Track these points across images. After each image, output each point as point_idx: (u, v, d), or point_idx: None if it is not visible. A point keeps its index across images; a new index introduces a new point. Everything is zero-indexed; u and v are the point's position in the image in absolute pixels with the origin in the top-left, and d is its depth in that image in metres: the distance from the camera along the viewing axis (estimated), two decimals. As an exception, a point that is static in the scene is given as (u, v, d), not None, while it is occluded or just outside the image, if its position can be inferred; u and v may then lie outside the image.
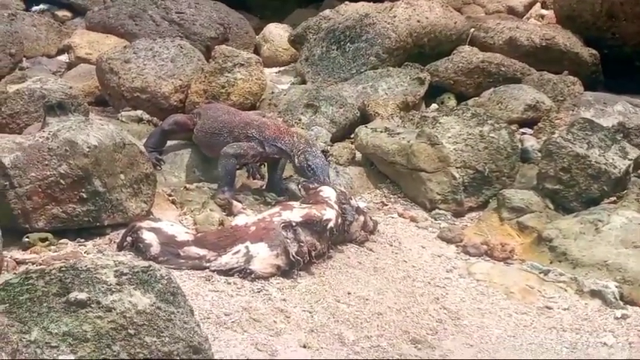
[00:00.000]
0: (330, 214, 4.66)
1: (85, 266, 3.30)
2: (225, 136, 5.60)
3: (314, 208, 4.66)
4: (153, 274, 3.34)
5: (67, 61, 8.83)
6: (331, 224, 4.63)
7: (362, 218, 4.99)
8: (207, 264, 4.39)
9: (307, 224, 4.55)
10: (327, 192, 4.91)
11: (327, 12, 9.20)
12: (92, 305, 3.18)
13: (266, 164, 5.77)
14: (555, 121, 6.71)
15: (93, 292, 3.21)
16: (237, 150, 5.45)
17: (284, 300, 4.18)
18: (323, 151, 6.18)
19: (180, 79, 7.28)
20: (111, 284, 3.26)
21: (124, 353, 3.14)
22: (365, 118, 6.90)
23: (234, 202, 5.24)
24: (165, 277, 3.36)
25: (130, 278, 3.29)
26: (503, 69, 7.77)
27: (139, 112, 6.95)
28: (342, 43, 8.12)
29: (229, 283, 4.26)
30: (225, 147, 5.48)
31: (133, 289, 3.27)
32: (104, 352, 3.12)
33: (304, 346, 3.80)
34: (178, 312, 3.31)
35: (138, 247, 4.49)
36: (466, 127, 5.94)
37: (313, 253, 4.52)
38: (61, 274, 3.24)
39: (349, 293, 4.37)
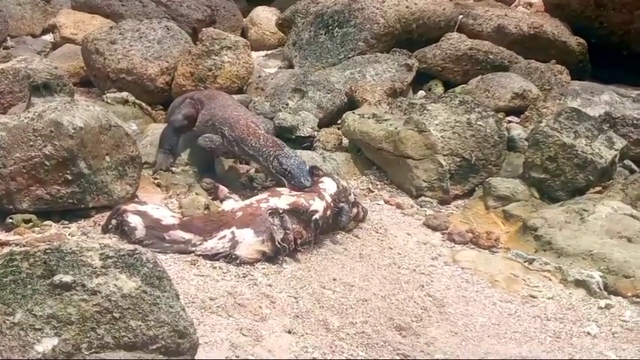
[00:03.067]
0: (317, 206, 4.63)
1: (70, 249, 3.28)
2: (211, 131, 5.51)
3: (302, 197, 4.64)
4: (139, 257, 3.33)
5: (52, 40, 8.73)
6: (317, 215, 4.60)
7: (355, 210, 4.97)
8: (193, 248, 4.38)
9: (294, 212, 4.54)
10: (328, 185, 4.86)
11: (315, -4, 9.13)
12: (77, 288, 3.17)
13: None
14: (542, 109, 6.70)
15: (78, 275, 3.19)
16: (207, 143, 5.42)
17: (269, 285, 4.18)
18: (309, 137, 6.18)
19: (167, 61, 7.20)
20: (96, 267, 3.24)
21: (108, 337, 3.13)
22: (352, 103, 6.86)
23: (220, 187, 5.22)
24: (151, 261, 3.35)
25: (115, 262, 3.28)
26: (491, 57, 7.75)
27: (125, 94, 6.88)
28: (331, 27, 8.07)
29: (215, 268, 4.26)
30: (200, 137, 5.45)
31: (119, 273, 3.25)
32: (88, 335, 3.11)
33: (289, 332, 3.80)
34: (164, 296, 3.30)
35: (123, 230, 4.47)
36: (454, 114, 5.93)
37: (299, 241, 4.51)
38: (46, 257, 3.22)
39: (334, 279, 4.37)
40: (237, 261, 4.30)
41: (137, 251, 3.35)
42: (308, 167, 5.05)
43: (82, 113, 4.80)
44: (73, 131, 4.68)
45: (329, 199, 4.72)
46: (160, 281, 3.33)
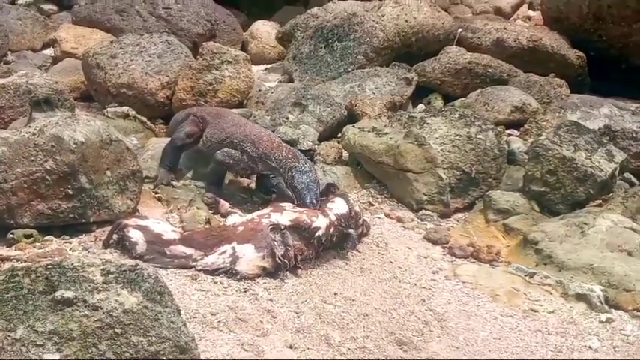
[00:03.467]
0: (320, 223, 4.61)
1: (72, 264, 3.28)
2: (227, 147, 5.46)
3: (304, 214, 4.64)
4: (140, 273, 3.33)
5: (53, 55, 8.78)
6: (319, 232, 4.58)
7: (360, 230, 4.97)
8: (194, 263, 4.37)
9: (296, 228, 4.53)
10: (338, 205, 4.81)
11: (315, 10, 9.18)
12: (78, 304, 3.17)
13: None
14: (542, 123, 6.72)
15: (79, 291, 3.20)
16: (226, 159, 5.38)
17: (270, 300, 4.17)
18: (310, 150, 6.18)
19: (167, 76, 7.23)
20: (98, 283, 3.24)
21: (110, 352, 3.13)
22: (352, 117, 6.88)
23: (222, 202, 5.23)
24: (153, 276, 3.35)
25: (117, 277, 3.28)
26: (490, 70, 7.79)
27: (125, 108, 6.90)
28: (330, 41, 8.12)
29: (216, 283, 4.25)
30: (218, 152, 5.41)
31: (120, 288, 3.26)
32: (90, 351, 3.11)
33: (290, 347, 3.79)
34: (165, 311, 3.30)
35: (124, 245, 4.47)
36: (453, 128, 5.95)
37: (299, 258, 4.50)
38: (48, 272, 3.22)
39: (336, 294, 4.37)
40: (238, 276, 4.30)
41: (138, 267, 3.35)
42: (326, 184, 5.06)
43: (83, 128, 4.81)
44: (74, 146, 4.69)
45: (333, 218, 4.68)
46: (161, 296, 3.33)
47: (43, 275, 3.21)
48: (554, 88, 7.64)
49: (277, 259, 4.36)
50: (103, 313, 3.16)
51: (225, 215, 5.04)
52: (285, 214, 4.60)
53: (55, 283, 3.19)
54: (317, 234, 4.58)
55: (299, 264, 4.51)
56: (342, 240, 4.78)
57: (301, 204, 4.85)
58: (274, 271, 4.39)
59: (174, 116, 6.57)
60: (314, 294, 4.33)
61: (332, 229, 4.66)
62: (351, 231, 4.80)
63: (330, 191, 5.01)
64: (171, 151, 5.79)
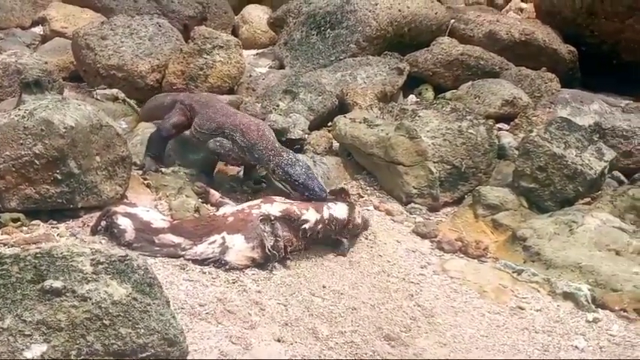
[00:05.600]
0: (309, 216, 4.57)
1: (61, 253, 3.26)
2: (219, 137, 5.39)
3: (295, 205, 4.61)
4: (130, 264, 3.31)
5: (42, 33, 8.66)
6: (307, 225, 4.54)
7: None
8: (182, 252, 4.35)
9: (286, 219, 4.51)
10: (337, 210, 4.75)
11: (308, -5, 9.10)
12: (67, 294, 3.16)
13: None
14: (532, 118, 6.72)
15: (68, 281, 3.18)
16: (218, 148, 5.32)
17: (259, 292, 4.16)
18: (300, 140, 6.15)
19: (158, 59, 7.16)
20: (87, 273, 3.23)
21: (98, 344, 3.12)
22: (343, 106, 6.85)
23: (212, 191, 5.19)
24: (142, 268, 3.34)
25: (106, 267, 3.27)
26: (481, 62, 7.78)
27: (115, 91, 6.85)
28: (323, 28, 8.07)
29: (204, 273, 4.23)
30: (210, 140, 5.36)
31: (110, 279, 3.25)
32: (78, 342, 3.10)
33: (278, 340, 3.79)
34: (154, 303, 3.29)
35: (112, 233, 4.43)
36: (445, 121, 5.93)
37: (289, 249, 4.49)
38: (36, 261, 3.21)
39: (324, 287, 4.36)
40: (227, 267, 4.28)
41: (128, 257, 3.34)
42: (339, 188, 5.00)
43: (74, 112, 4.75)
44: (64, 130, 4.63)
45: (325, 216, 4.64)
46: (150, 288, 3.32)
47: (31, 264, 3.19)
48: (545, 83, 7.64)
49: (267, 250, 4.34)
50: (92, 304, 3.15)
51: (215, 205, 5.00)
52: (276, 205, 4.57)
53: (44, 273, 3.18)
54: (304, 226, 4.54)
55: (288, 255, 4.49)
56: (330, 242, 4.75)
57: (311, 197, 4.77)
58: (264, 262, 4.37)
59: (153, 99, 6.49)
60: (302, 286, 4.32)
61: (320, 226, 4.61)
62: (344, 240, 4.77)
63: (339, 195, 4.93)
64: (157, 140, 5.73)
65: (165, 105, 6.06)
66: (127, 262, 3.31)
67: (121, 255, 3.32)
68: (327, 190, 4.93)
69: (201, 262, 4.31)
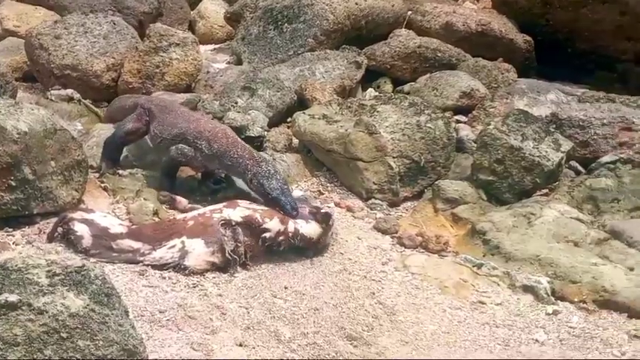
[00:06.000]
0: (272, 225, 4.52)
1: (16, 266, 3.20)
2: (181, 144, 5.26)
3: (259, 212, 4.57)
4: (87, 274, 3.26)
5: (-6, 33, 8.51)
6: (267, 235, 4.49)
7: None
8: (141, 258, 4.31)
9: (247, 225, 4.47)
10: (306, 227, 4.66)
11: (264, -10, 9.05)
12: (23, 308, 3.09)
13: None
14: (490, 109, 6.77)
15: (24, 294, 3.12)
16: (179, 156, 5.21)
17: (220, 295, 4.14)
18: (259, 137, 6.11)
19: (113, 57, 7.08)
20: (43, 285, 3.17)
21: (56, 357, 3.06)
22: (302, 102, 6.83)
23: (178, 198, 5.11)
24: (100, 277, 3.29)
25: (62, 279, 3.21)
26: (439, 54, 7.79)
27: (70, 91, 6.77)
28: (280, 23, 8.02)
29: (164, 278, 4.20)
30: (172, 147, 5.24)
31: (66, 291, 3.19)
32: (35, 356, 3.04)
33: (240, 345, 3.77)
34: (113, 314, 3.24)
35: (69, 239, 4.38)
36: (403, 116, 5.94)
37: (249, 254, 4.45)
38: (-9, 275, 3.14)
39: (286, 287, 4.35)
40: (186, 271, 4.25)
41: (85, 267, 3.28)
42: (324, 211, 4.81)
43: (27, 117, 4.67)
44: (17, 136, 4.54)
45: (290, 229, 4.57)
46: (108, 298, 3.27)
47: (-15, 278, 3.13)
48: (502, 73, 7.68)
49: (227, 254, 4.32)
50: (49, 317, 3.09)
51: (185, 212, 4.88)
52: (239, 210, 4.52)
53: (-1, 287, 3.11)
54: (264, 235, 4.50)
55: (248, 261, 4.46)
56: (291, 252, 4.69)
57: (286, 214, 4.65)
58: (224, 266, 4.35)
59: (117, 100, 6.43)
60: (264, 288, 4.31)
61: (281, 238, 4.55)
62: (310, 252, 4.73)
63: (317, 216, 4.76)
64: (114, 145, 5.63)
65: (127, 107, 5.98)
66: (83, 272, 3.25)
67: (77, 266, 3.26)
68: (309, 209, 4.79)
69: (161, 267, 4.28)
